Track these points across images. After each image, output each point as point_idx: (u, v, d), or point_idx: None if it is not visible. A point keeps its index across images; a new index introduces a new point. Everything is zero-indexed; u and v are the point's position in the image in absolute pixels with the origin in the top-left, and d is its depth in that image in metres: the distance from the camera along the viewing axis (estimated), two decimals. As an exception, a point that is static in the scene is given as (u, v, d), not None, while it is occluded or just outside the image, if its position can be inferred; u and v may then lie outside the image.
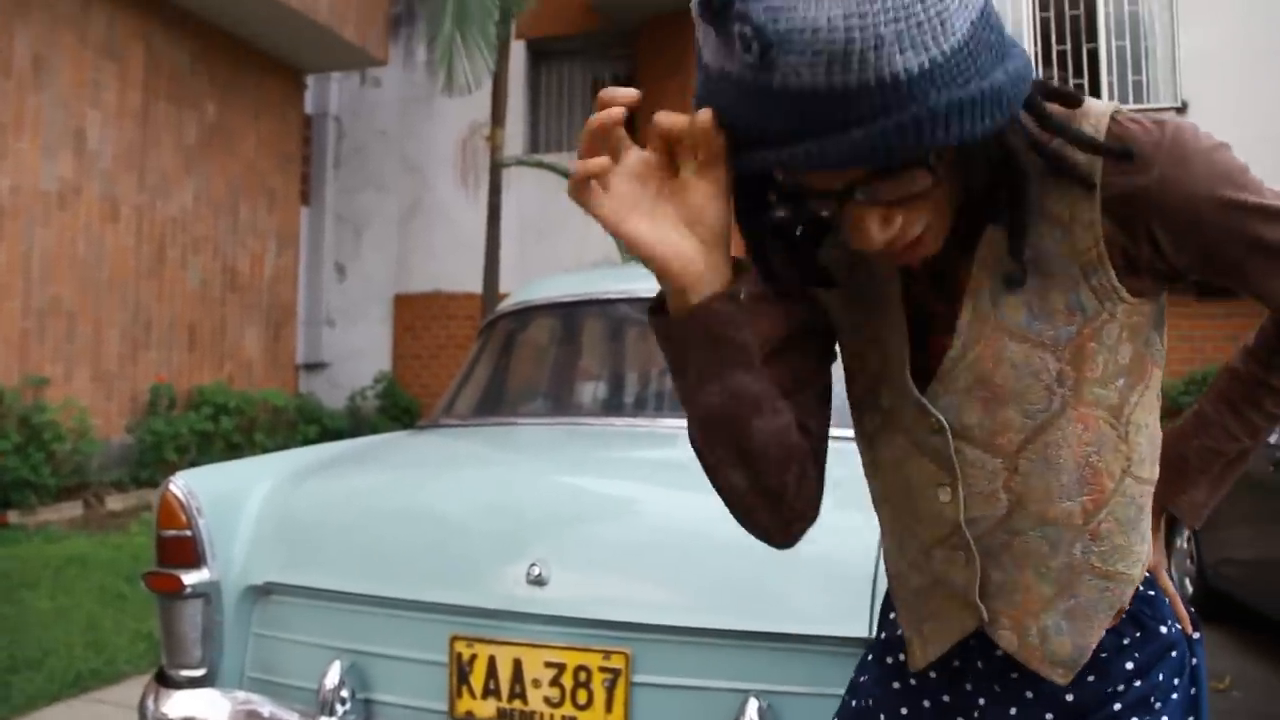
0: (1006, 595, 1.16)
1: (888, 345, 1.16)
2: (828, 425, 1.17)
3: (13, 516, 8.11)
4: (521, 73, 13.99)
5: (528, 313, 3.82)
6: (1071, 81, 12.41)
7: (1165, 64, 12.15)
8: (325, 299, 14.42)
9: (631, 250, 0.95)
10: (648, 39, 13.38)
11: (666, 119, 0.94)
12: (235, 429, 10.82)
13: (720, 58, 0.87)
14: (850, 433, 1.27)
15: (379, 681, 2.45)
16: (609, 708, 2.23)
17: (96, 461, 9.43)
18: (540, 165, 10.62)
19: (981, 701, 1.22)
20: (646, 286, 3.52)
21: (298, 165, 13.32)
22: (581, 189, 0.93)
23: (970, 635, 1.20)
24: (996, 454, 1.12)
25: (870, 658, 1.37)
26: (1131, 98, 12.24)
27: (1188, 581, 6.15)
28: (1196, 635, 1.26)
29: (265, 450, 10.09)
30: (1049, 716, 1.17)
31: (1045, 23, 12.58)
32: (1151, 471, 1.17)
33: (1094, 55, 12.39)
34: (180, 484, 2.62)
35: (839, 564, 2.15)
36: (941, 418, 1.13)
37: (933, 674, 1.26)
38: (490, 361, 3.71)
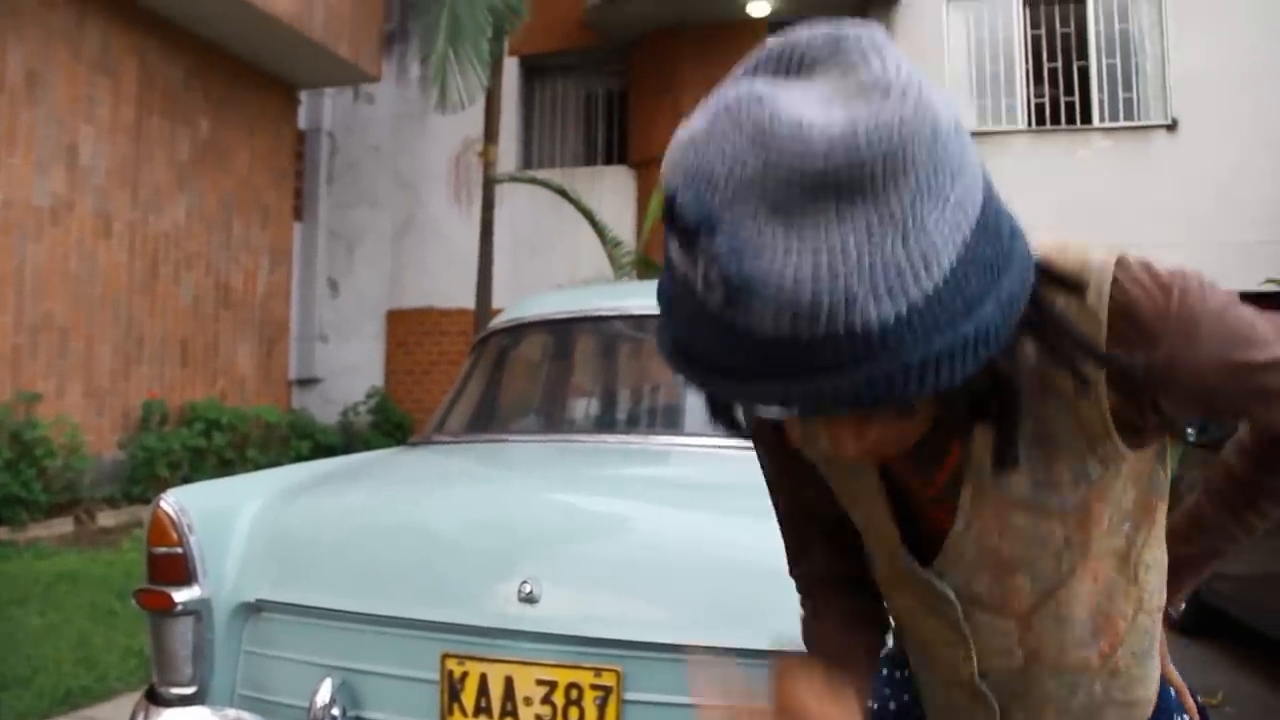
0: None
1: (878, 527, 1.14)
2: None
3: (3, 533, 8.07)
4: (515, 89, 14.03)
5: (520, 329, 3.83)
6: (1063, 100, 12.48)
7: (1156, 82, 12.23)
8: (318, 314, 14.42)
9: None
10: (641, 56, 13.43)
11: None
12: (228, 445, 10.80)
13: (685, 267, 0.78)
14: None
15: (370, 699, 2.44)
16: (600, 725, 2.23)
17: (88, 477, 9.40)
18: (533, 181, 10.64)
19: None
20: (639, 304, 3.53)
21: (291, 181, 13.33)
22: None
23: None
24: (1008, 616, 1.10)
25: (884, 671, 1.38)
26: (1122, 115, 12.32)
27: (1180, 597, 6.14)
28: None
29: (258, 466, 10.07)
30: None
31: (1037, 40, 12.66)
32: (1161, 599, 1.16)
33: (1085, 73, 12.46)
34: (171, 501, 2.62)
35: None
36: (949, 592, 1.10)
37: None
38: (482, 378, 3.71)
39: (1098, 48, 12.44)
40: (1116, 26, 12.46)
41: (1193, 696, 1.29)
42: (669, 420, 3.48)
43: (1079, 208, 11.51)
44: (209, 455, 10.53)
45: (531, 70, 14.55)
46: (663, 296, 0.84)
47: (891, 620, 1.26)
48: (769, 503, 1.27)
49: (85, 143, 9.81)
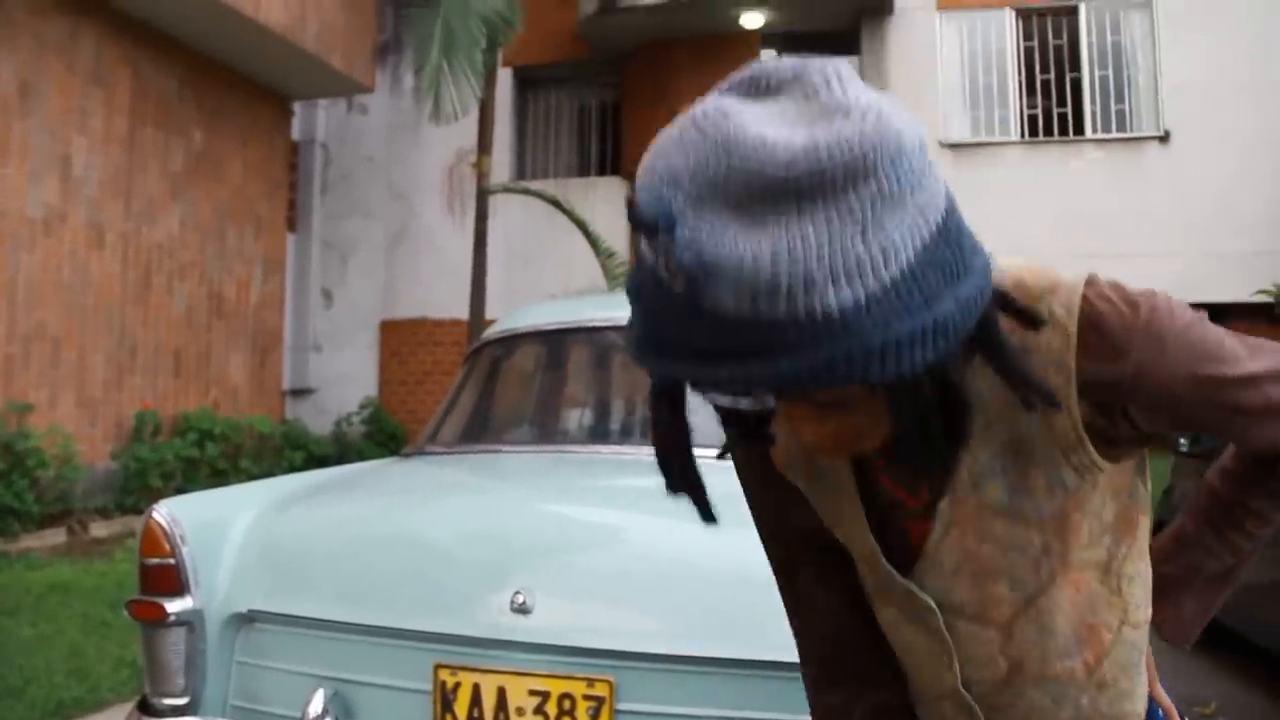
0: None
1: (859, 542, 1.15)
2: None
3: (-5, 544, 8.05)
4: (508, 100, 14.06)
5: (513, 340, 3.83)
6: (1056, 111, 12.53)
7: (1148, 93, 12.28)
8: (312, 325, 14.41)
9: None
10: (634, 67, 13.46)
11: None
12: (221, 455, 10.77)
13: (651, 258, 0.82)
14: None
15: (363, 710, 2.43)
16: (593, 736, 2.23)
17: (81, 488, 9.37)
18: (527, 192, 10.60)
19: None
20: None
21: (284, 192, 13.33)
22: None
23: None
24: (989, 625, 1.11)
25: None
26: (1115, 126, 12.36)
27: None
28: None
29: (251, 476, 10.05)
30: None
31: (1029, 51, 12.71)
32: (1146, 613, 1.16)
33: (1077, 84, 12.51)
34: (164, 512, 2.62)
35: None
36: (930, 601, 1.11)
37: None
38: (476, 388, 3.71)
39: (1090, 59, 12.50)
40: (1109, 38, 12.51)
41: (1181, 719, 1.29)
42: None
43: (1072, 219, 11.55)
44: (202, 466, 10.50)
45: (525, 81, 14.58)
46: (631, 292, 0.86)
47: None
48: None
49: (78, 153, 9.80)
